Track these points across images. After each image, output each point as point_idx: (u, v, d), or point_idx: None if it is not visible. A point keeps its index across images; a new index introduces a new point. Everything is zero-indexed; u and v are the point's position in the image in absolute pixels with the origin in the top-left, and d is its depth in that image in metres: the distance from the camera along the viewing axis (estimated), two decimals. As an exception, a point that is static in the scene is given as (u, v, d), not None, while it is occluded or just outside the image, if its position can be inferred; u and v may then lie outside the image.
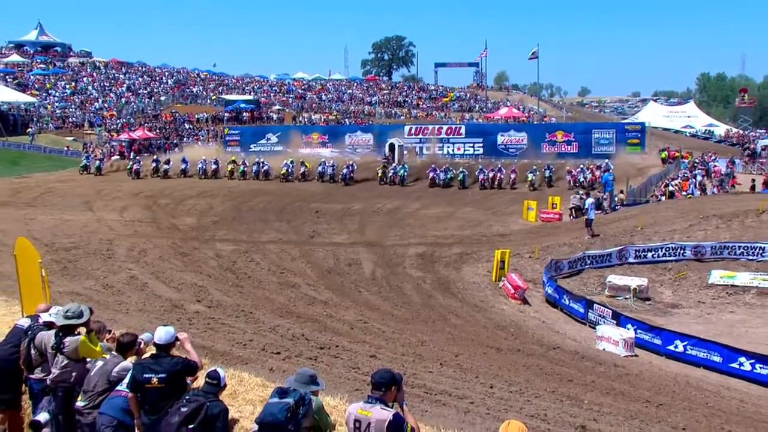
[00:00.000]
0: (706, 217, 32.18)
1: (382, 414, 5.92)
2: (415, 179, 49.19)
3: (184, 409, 6.56)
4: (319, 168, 50.04)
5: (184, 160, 51.93)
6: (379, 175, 48.43)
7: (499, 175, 46.29)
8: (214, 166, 51.36)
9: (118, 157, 57.42)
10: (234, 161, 51.98)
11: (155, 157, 53.71)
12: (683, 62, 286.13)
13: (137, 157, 54.13)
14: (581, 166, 47.05)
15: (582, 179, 44.99)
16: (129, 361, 7.75)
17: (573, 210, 35.53)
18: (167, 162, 52.05)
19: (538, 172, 46.41)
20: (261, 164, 51.08)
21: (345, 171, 48.80)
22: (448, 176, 47.12)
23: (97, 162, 52.88)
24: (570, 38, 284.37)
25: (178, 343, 7.56)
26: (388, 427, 5.87)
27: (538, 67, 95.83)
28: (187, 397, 6.74)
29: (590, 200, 32.23)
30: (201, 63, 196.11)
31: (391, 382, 6.06)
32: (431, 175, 47.32)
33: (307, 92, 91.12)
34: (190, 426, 6.49)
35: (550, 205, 37.50)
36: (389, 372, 6.21)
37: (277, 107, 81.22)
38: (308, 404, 6.44)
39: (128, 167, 51.35)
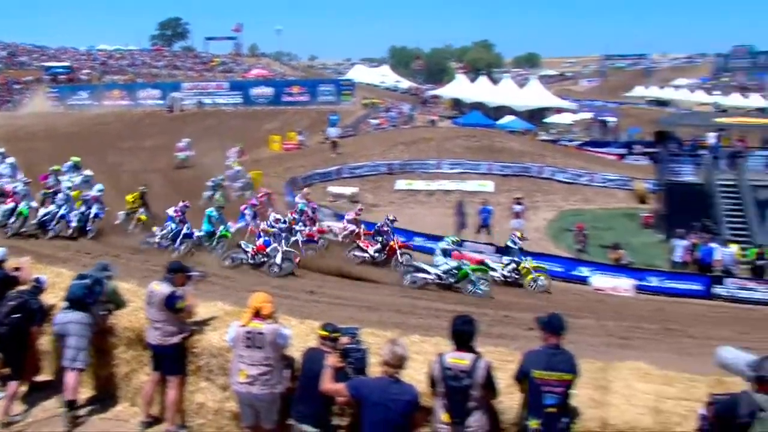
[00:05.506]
0: (395, 144, 34.43)
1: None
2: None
3: (11, 303, 6.59)
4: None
5: None
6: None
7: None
8: None
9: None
10: None
11: None
12: (381, 37, 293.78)
13: None
14: None
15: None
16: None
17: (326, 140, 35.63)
18: None
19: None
20: None
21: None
22: None
23: None
24: (302, 14, 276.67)
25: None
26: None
27: (279, 40, 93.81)
28: (13, 294, 6.75)
29: (337, 130, 35.34)
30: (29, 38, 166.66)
31: None
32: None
33: (109, 60, 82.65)
34: (16, 315, 6.54)
35: (289, 138, 36.61)
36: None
37: (86, 71, 73.17)
38: (102, 284, 6.70)
39: None
